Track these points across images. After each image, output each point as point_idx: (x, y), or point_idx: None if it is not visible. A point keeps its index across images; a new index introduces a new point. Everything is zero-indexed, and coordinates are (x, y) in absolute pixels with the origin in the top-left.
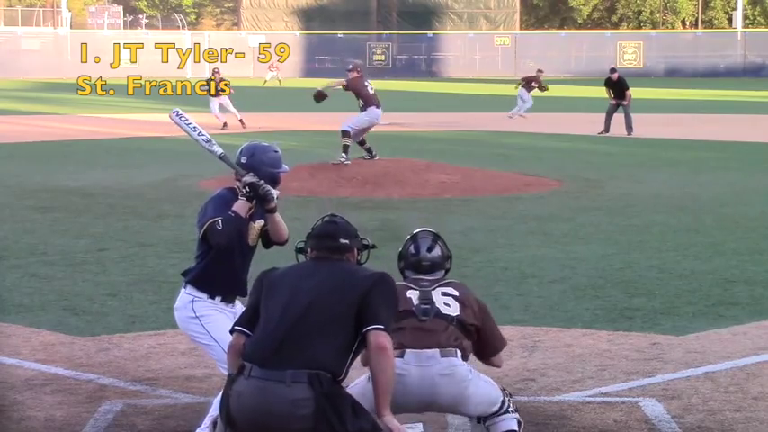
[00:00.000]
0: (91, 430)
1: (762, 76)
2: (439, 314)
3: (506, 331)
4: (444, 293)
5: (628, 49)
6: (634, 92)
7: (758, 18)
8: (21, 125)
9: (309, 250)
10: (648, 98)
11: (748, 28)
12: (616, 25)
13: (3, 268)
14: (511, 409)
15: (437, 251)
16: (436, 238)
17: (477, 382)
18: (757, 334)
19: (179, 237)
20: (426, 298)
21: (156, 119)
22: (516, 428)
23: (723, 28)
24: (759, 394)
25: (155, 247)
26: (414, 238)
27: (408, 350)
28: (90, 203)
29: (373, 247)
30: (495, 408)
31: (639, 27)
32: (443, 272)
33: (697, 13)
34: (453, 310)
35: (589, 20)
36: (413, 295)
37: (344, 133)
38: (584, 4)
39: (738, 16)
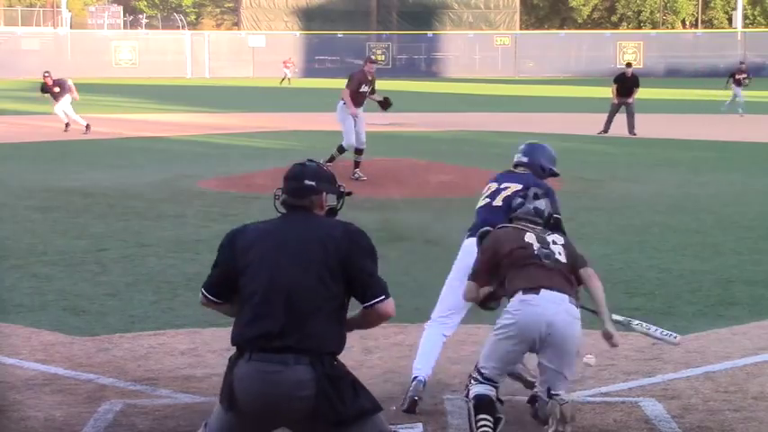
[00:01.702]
0: (91, 430)
1: (762, 76)
2: (558, 262)
3: None
4: (554, 242)
5: (628, 49)
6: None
7: (758, 18)
8: (21, 125)
9: (280, 193)
10: (648, 98)
11: (748, 28)
12: (616, 25)
13: (3, 268)
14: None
15: (543, 202)
16: (547, 193)
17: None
18: (757, 334)
19: (179, 237)
20: (545, 242)
21: (155, 119)
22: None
23: (723, 28)
24: (759, 394)
25: (155, 248)
26: (524, 194)
27: (543, 290)
28: (90, 203)
29: (349, 193)
30: (565, 387)
31: (639, 27)
32: (544, 223)
33: (697, 13)
34: (563, 258)
35: (589, 20)
36: (531, 238)
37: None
38: (584, 4)
39: (738, 16)
